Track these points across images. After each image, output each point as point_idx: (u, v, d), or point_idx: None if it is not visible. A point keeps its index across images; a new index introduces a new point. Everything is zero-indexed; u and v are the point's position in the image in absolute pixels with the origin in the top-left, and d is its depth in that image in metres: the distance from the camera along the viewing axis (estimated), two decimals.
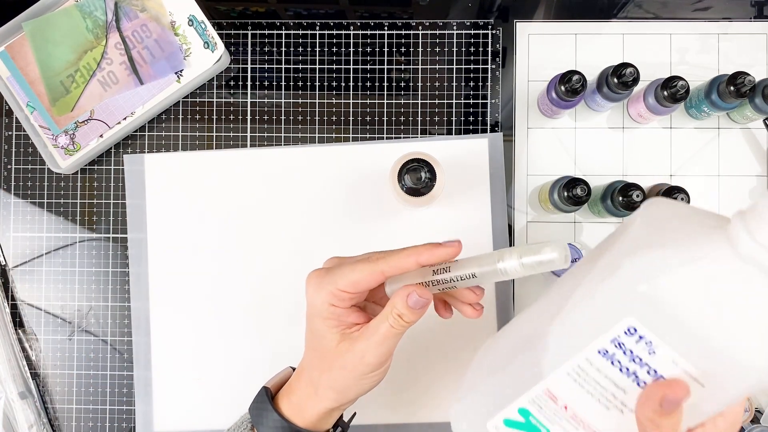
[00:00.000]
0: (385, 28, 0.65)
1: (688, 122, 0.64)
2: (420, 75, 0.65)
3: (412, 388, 0.63)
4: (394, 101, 0.65)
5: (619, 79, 0.56)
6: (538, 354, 0.34)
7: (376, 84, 0.65)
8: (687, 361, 0.29)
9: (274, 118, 0.65)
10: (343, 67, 0.65)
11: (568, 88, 0.56)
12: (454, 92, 0.65)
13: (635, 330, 0.29)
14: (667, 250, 0.28)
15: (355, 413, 0.51)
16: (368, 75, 0.65)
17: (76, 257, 0.65)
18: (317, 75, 0.65)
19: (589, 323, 0.31)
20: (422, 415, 0.63)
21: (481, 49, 0.65)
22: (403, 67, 0.65)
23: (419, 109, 0.65)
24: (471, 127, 0.65)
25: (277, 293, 0.64)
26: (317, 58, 0.66)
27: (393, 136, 0.65)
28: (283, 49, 0.66)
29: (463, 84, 0.65)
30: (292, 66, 0.66)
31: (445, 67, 0.65)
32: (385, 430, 0.63)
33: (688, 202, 0.55)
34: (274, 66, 0.66)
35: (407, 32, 0.65)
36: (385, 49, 0.65)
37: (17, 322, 0.66)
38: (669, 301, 0.28)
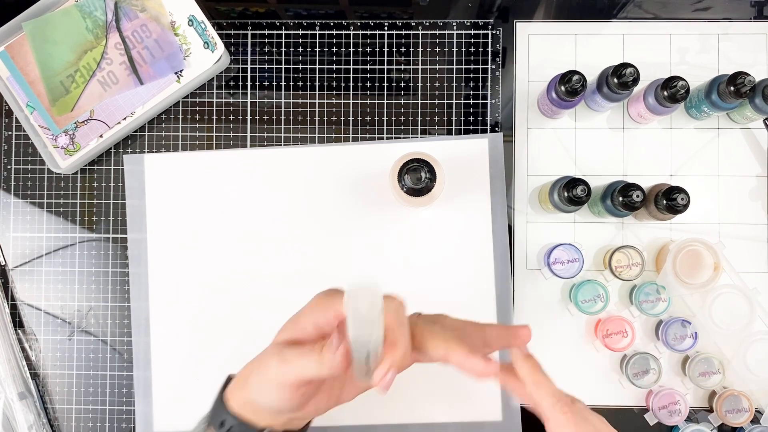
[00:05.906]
0: (385, 28, 0.65)
1: (688, 122, 0.64)
2: (420, 75, 0.65)
3: (411, 389, 0.63)
4: (394, 101, 0.65)
5: (619, 79, 0.56)
6: None
7: (376, 84, 0.65)
8: None
9: (274, 118, 0.65)
10: (343, 67, 0.65)
11: (568, 88, 0.56)
12: (454, 92, 0.65)
13: None
14: None
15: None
16: (368, 75, 0.65)
17: (76, 257, 0.65)
18: (317, 75, 0.65)
19: None
20: (422, 415, 0.63)
21: (481, 49, 0.65)
22: (403, 67, 0.65)
23: (419, 109, 0.65)
24: (471, 127, 0.65)
25: (276, 292, 0.63)
26: (317, 58, 0.66)
27: (393, 136, 0.65)
28: (283, 49, 0.66)
29: (463, 84, 0.65)
30: (292, 66, 0.66)
31: (445, 67, 0.65)
32: (384, 430, 0.63)
33: (689, 202, 0.55)
34: (274, 66, 0.66)
35: (407, 32, 0.65)
36: (385, 49, 0.65)
37: (17, 322, 0.65)
38: None
